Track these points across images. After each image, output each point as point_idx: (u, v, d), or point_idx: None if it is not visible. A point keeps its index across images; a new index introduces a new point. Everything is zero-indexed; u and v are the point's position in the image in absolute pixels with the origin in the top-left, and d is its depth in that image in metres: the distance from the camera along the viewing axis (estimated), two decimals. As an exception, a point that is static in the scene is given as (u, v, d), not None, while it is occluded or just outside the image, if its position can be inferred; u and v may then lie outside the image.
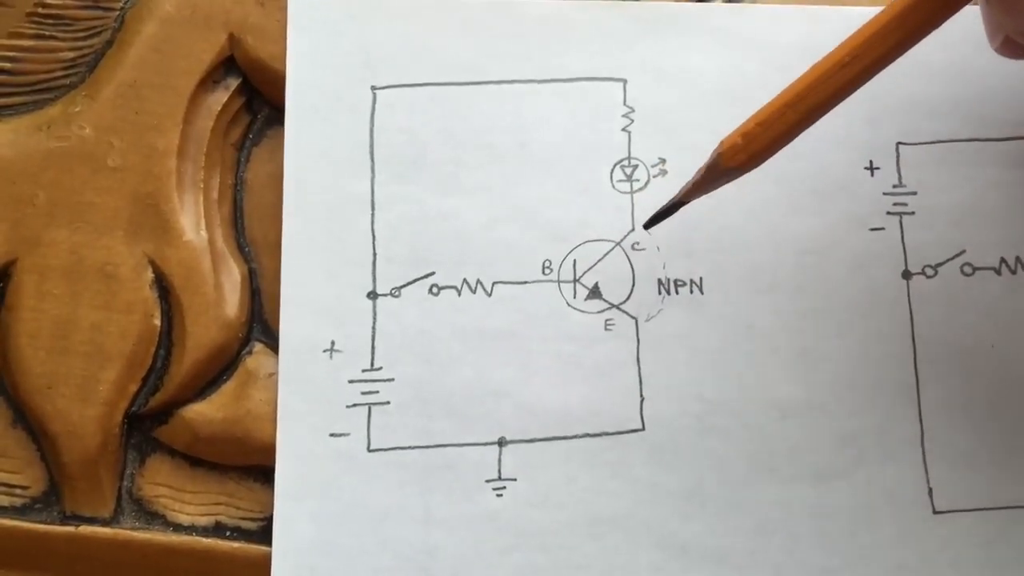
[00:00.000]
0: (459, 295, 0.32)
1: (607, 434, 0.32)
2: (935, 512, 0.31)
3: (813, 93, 0.27)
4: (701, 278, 0.33)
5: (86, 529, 0.31)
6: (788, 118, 0.27)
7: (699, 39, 0.34)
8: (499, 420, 0.31)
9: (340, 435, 0.31)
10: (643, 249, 0.33)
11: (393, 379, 0.32)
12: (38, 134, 0.33)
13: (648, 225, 0.32)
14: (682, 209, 0.32)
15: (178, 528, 0.31)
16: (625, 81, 0.33)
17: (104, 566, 0.31)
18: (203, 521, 0.31)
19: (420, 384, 0.32)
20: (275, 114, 0.34)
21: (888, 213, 0.33)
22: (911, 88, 0.34)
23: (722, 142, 0.28)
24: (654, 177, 0.33)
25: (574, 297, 0.32)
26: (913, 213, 0.33)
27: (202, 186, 0.33)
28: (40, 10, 0.33)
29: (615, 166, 0.33)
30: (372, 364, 0.32)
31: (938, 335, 0.32)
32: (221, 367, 0.32)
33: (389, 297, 0.32)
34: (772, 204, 0.33)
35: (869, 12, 0.29)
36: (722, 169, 0.28)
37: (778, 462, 0.31)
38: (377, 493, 0.31)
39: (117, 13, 0.34)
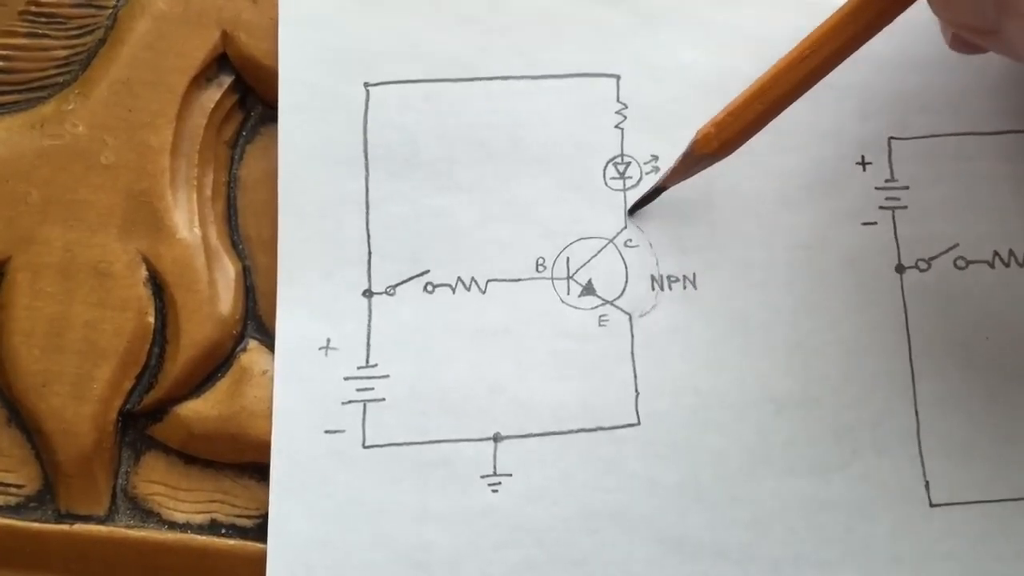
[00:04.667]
0: (453, 293, 0.32)
1: (602, 429, 0.31)
2: (932, 505, 0.31)
3: (778, 84, 0.29)
4: (694, 274, 0.33)
5: (81, 527, 0.31)
6: (755, 108, 0.29)
7: (693, 34, 0.34)
8: (494, 416, 0.31)
9: (335, 432, 0.31)
10: (636, 246, 0.33)
11: (388, 376, 0.32)
12: (31, 132, 0.33)
13: (632, 210, 0.32)
14: (674, 205, 0.32)
15: (173, 526, 0.31)
16: (618, 77, 0.34)
17: (99, 564, 0.31)
18: (198, 519, 0.31)
19: (415, 381, 0.32)
20: (268, 111, 0.34)
21: (880, 207, 0.33)
22: (902, 83, 0.34)
23: (697, 131, 0.30)
24: (647, 174, 0.33)
25: (568, 294, 0.32)
26: (905, 207, 0.33)
27: (196, 183, 0.33)
28: (33, 8, 0.33)
29: (608, 163, 0.33)
30: (367, 361, 0.32)
31: (932, 328, 0.32)
32: (215, 364, 0.32)
33: (384, 295, 0.32)
34: (764, 199, 0.33)
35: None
36: (696, 156, 0.30)
37: (774, 456, 0.31)
38: (372, 489, 0.31)
39: (110, 11, 0.34)
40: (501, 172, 0.33)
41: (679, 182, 0.32)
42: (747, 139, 0.30)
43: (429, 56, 0.33)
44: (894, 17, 0.29)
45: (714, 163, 0.30)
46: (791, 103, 0.29)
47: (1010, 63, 0.33)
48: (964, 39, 0.29)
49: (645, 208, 0.33)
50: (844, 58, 0.29)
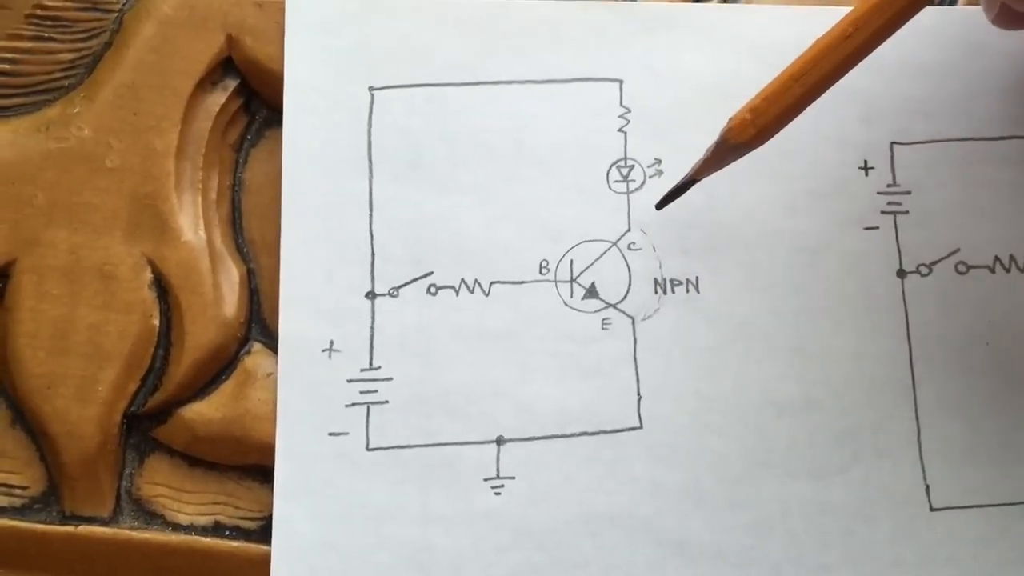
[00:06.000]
0: (457, 295, 0.32)
1: (605, 432, 0.32)
2: (932, 509, 0.32)
3: (818, 66, 0.28)
4: (697, 277, 0.33)
5: (85, 529, 0.31)
6: (794, 91, 0.28)
7: (695, 39, 0.34)
8: (497, 419, 0.32)
9: (339, 434, 0.31)
10: (639, 249, 0.33)
11: (392, 378, 0.32)
12: (37, 135, 0.33)
13: (661, 205, 0.32)
14: (677, 209, 0.32)
15: (177, 528, 0.31)
16: (621, 81, 0.34)
17: (103, 566, 0.31)
18: (202, 521, 0.31)
19: (418, 383, 0.32)
20: (273, 115, 0.34)
21: (882, 212, 0.33)
22: (905, 88, 0.34)
23: (731, 119, 0.29)
24: (650, 177, 0.33)
25: (571, 297, 0.32)
26: (907, 212, 0.33)
27: (200, 187, 0.33)
28: (39, 12, 0.34)
29: (611, 166, 0.33)
30: (371, 363, 0.32)
31: (933, 333, 0.33)
32: (220, 367, 0.32)
33: (387, 297, 0.32)
34: (767, 204, 0.33)
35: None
36: (731, 145, 0.29)
37: (775, 460, 0.32)
38: (376, 492, 0.31)
39: (115, 15, 0.34)
40: (504, 175, 0.33)
41: (711, 173, 0.31)
42: (784, 125, 0.29)
43: (433, 60, 0.33)
44: None
45: (748, 152, 0.29)
46: (832, 84, 0.28)
47: (1012, 69, 0.34)
48: (1014, 12, 0.29)
49: (646, 212, 0.33)
50: (888, 35, 0.28)
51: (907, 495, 0.32)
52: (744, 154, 0.29)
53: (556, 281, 0.32)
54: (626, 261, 0.33)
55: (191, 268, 0.32)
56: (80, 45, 0.33)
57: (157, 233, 0.32)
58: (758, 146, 0.29)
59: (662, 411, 0.32)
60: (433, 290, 0.32)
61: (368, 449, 0.31)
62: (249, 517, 0.31)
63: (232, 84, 0.34)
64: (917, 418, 0.32)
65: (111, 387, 0.31)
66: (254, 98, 0.34)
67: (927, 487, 0.32)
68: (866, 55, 0.28)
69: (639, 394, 0.32)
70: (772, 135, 0.29)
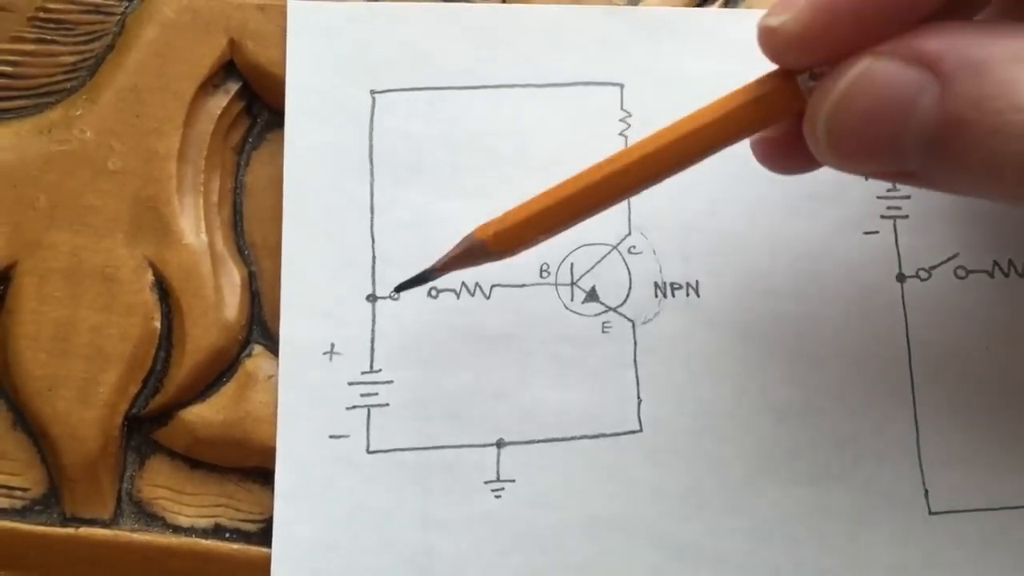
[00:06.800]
0: (458, 298, 0.32)
1: (605, 436, 0.32)
2: (931, 513, 0.32)
3: (579, 197, 0.27)
4: (697, 281, 0.33)
5: (86, 531, 0.31)
6: (547, 216, 0.28)
7: (696, 44, 0.34)
8: (498, 422, 0.32)
9: (339, 437, 0.31)
10: (640, 252, 0.33)
11: (392, 381, 0.32)
12: (39, 137, 0.33)
13: (399, 289, 0.31)
14: (678, 213, 0.33)
15: (178, 530, 0.31)
16: (622, 86, 0.34)
17: (104, 568, 0.31)
18: (203, 523, 0.31)
19: (419, 386, 0.32)
20: (275, 118, 0.34)
21: (882, 217, 0.33)
22: (905, 93, 0.34)
23: (484, 224, 0.28)
24: (651, 182, 0.33)
25: (572, 300, 0.32)
26: (907, 217, 0.33)
27: (202, 189, 0.33)
28: (41, 14, 0.34)
29: (612, 170, 0.33)
30: (371, 366, 0.32)
31: (932, 337, 0.33)
32: (221, 369, 0.32)
33: (388, 300, 0.32)
34: (767, 208, 0.33)
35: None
36: (476, 245, 0.28)
37: (775, 464, 0.32)
38: (376, 494, 0.31)
39: (118, 18, 0.34)
40: (506, 178, 0.33)
41: (457, 269, 0.30)
42: (533, 244, 0.28)
43: (435, 64, 0.33)
44: (717, 150, 0.27)
45: (497, 259, 0.28)
46: (592, 215, 0.28)
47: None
48: (781, 157, 0.29)
49: (646, 216, 0.33)
50: (660, 180, 0.27)
51: (906, 499, 0.32)
52: (492, 260, 0.28)
53: (556, 284, 0.33)
54: (626, 265, 0.33)
55: (192, 271, 0.32)
56: (82, 48, 0.34)
57: (159, 236, 0.32)
58: (507, 256, 0.28)
59: (662, 415, 0.32)
60: (434, 293, 0.32)
61: (368, 452, 0.31)
62: (250, 519, 0.31)
63: (234, 87, 0.34)
64: (916, 422, 0.32)
65: (112, 389, 0.31)
66: (256, 101, 0.34)
67: (926, 491, 0.32)
68: (633, 194, 0.27)
69: (639, 397, 0.32)
70: (520, 250, 0.28)
